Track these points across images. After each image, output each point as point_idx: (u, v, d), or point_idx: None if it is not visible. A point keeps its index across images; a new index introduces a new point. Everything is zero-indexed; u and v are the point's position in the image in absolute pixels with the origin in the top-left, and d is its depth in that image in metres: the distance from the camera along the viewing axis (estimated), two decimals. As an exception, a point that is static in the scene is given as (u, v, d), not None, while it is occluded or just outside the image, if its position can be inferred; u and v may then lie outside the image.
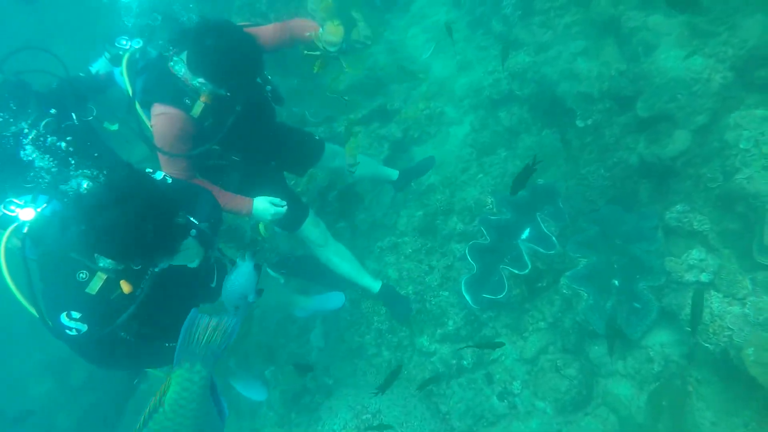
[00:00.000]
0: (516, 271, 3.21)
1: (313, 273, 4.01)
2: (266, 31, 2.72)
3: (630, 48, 3.51)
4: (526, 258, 3.19)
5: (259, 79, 2.59)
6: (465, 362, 3.41)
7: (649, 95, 3.09)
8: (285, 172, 3.33)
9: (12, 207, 2.04)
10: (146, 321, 2.23)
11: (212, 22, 2.28)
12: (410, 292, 3.79)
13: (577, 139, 3.68)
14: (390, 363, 3.72)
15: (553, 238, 3.21)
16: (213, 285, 2.84)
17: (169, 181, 2.27)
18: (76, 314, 1.92)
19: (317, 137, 3.35)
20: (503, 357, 3.40)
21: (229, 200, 2.73)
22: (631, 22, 3.46)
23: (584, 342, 3.14)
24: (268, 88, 2.67)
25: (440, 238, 3.94)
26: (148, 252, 1.81)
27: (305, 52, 2.86)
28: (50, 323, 1.94)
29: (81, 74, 3.12)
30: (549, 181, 3.60)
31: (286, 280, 3.71)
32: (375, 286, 3.54)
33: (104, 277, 1.91)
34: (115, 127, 3.24)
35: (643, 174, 3.30)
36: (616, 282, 3.00)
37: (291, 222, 3.19)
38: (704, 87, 2.88)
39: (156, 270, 1.96)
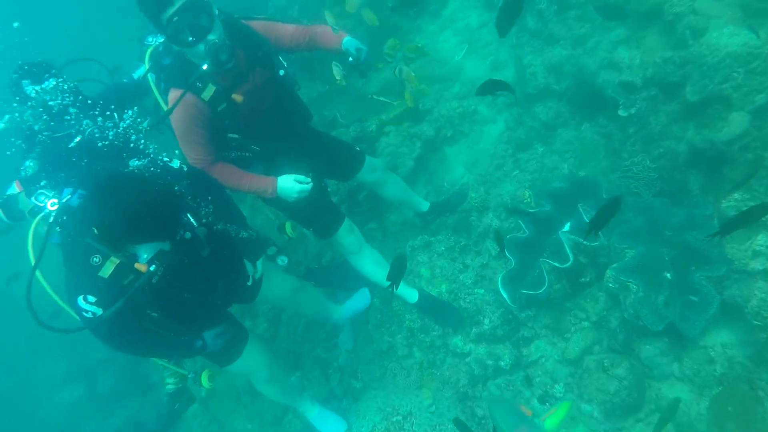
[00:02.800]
0: (557, 264, 3.01)
1: (340, 280, 3.91)
2: (285, 30, 2.69)
3: (675, 35, 3.35)
4: (567, 250, 3.00)
5: (263, 62, 2.57)
6: (502, 363, 3.20)
7: (699, 76, 2.92)
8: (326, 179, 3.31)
9: (42, 198, 2.12)
10: (161, 308, 2.24)
11: None
12: (443, 290, 3.63)
13: (619, 130, 3.51)
14: (422, 364, 3.53)
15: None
16: (249, 284, 2.78)
17: (185, 169, 2.31)
18: (91, 298, 1.99)
19: (358, 148, 3.32)
20: (543, 359, 3.18)
21: (253, 181, 2.70)
22: (676, 8, 3.30)
23: (634, 341, 2.90)
24: (281, 72, 2.62)
25: (475, 236, 3.78)
26: (125, 231, 1.84)
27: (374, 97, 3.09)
28: (71, 306, 2.01)
29: (124, 80, 3.24)
30: (590, 174, 3.43)
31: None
32: (411, 295, 3.42)
33: (117, 261, 1.97)
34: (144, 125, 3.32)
35: (692, 163, 3.09)
36: (668, 275, 2.78)
37: (324, 228, 3.13)
38: (765, 63, 2.69)
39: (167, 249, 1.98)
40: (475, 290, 3.49)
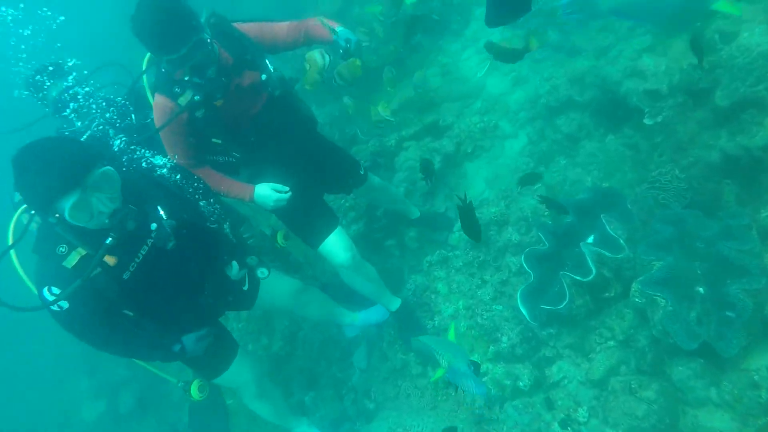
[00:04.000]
0: (579, 278, 2.84)
1: (339, 296, 3.82)
2: (280, 28, 2.65)
3: (704, 40, 3.21)
4: (590, 263, 2.82)
5: (251, 66, 2.53)
6: (521, 383, 3.01)
7: (730, 79, 2.76)
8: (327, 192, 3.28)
9: None
10: (136, 307, 2.21)
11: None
12: (460, 306, 3.49)
13: (646, 140, 3.35)
14: (437, 384, 3.36)
15: (621, 241, 2.84)
16: (246, 288, 2.73)
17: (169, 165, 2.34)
18: (55, 290, 1.95)
19: (362, 171, 3.25)
20: (566, 380, 2.97)
21: (232, 187, 2.68)
22: (704, 14, 3.18)
23: (664, 362, 2.67)
24: (264, 76, 2.54)
25: (494, 251, 3.63)
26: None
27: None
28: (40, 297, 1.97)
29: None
30: (614, 185, 3.27)
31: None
32: (394, 303, 3.39)
33: (83, 253, 1.95)
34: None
35: (726, 172, 2.90)
36: (701, 289, 2.56)
37: (313, 237, 3.05)
38: (800, 61, 2.53)
39: (108, 242, 1.94)
40: (493, 306, 3.33)
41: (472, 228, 2.21)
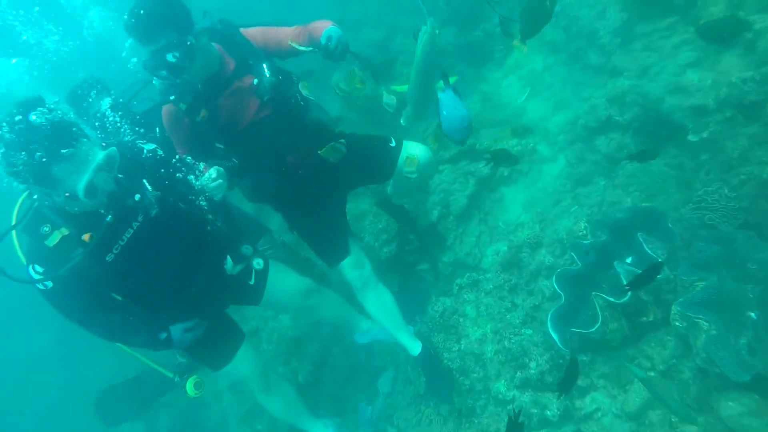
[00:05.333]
0: (612, 300, 2.63)
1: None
2: (284, 33, 2.63)
3: (756, 54, 3.01)
4: (624, 283, 2.61)
5: (252, 71, 2.53)
6: (549, 413, 2.77)
7: (781, 88, 2.56)
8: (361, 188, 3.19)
9: None
10: (122, 291, 2.27)
11: None
12: (488, 330, 3.31)
13: (691, 159, 3.14)
14: (460, 411, 3.16)
15: (660, 261, 2.62)
16: (252, 282, 2.73)
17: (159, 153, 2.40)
18: (39, 268, 2.05)
19: (392, 143, 2.99)
20: (599, 413, 2.71)
21: None
22: (757, 25, 3.00)
23: (711, 395, 2.38)
24: (255, 81, 2.51)
25: (526, 274, 3.46)
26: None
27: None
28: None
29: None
30: (654, 204, 3.06)
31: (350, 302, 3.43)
32: (414, 347, 3.11)
33: (65, 232, 2.04)
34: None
35: (783, 190, 2.65)
36: (753, 314, 2.30)
37: (330, 257, 3.00)
38: None
39: (108, 220, 2.05)
40: (523, 330, 3.13)
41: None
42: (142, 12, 2.17)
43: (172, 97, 2.40)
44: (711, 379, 2.38)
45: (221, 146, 2.57)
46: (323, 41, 2.37)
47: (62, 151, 1.88)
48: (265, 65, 2.54)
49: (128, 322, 2.31)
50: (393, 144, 3.01)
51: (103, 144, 2.07)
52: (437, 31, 2.14)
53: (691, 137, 3.03)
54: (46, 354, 9.41)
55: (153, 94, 3.19)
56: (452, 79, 1.96)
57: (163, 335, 2.39)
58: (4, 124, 1.86)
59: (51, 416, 8.26)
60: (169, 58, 2.23)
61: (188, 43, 2.26)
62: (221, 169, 2.41)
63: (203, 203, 2.49)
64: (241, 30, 2.57)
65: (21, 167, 1.88)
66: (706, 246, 2.58)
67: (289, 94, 2.63)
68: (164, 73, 2.28)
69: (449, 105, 1.94)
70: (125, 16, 2.19)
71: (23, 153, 1.85)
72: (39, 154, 1.85)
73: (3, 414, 8.93)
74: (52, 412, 8.26)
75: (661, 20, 3.66)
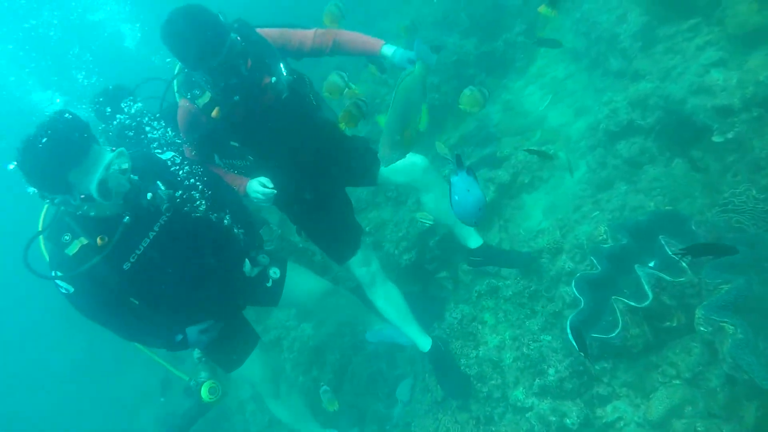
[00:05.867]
0: (633, 304, 2.55)
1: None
2: (304, 35, 2.68)
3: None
4: (645, 286, 2.53)
5: (270, 71, 2.55)
6: (568, 421, 2.68)
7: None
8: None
9: None
10: (140, 296, 2.35)
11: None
12: (507, 337, 3.25)
13: (717, 161, 3.04)
14: (478, 420, 3.10)
15: (683, 264, 2.53)
16: (269, 285, 2.77)
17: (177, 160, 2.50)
18: (60, 273, 2.15)
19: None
20: (621, 422, 2.61)
21: (230, 179, 2.73)
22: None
23: (741, 404, 2.27)
24: (273, 79, 2.55)
25: (546, 280, 3.39)
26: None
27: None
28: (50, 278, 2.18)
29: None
30: (677, 208, 2.97)
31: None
32: (424, 343, 3.13)
33: (84, 242, 2.13)
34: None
35: (815, 191, 2.54)
36: (782, 318, 2.19)
37: (337, 254, 3.03)
38: None
39: (125, 221, 2.14)
40: (541, 336, 3.06)
41: None
42: (194, 37, 2.20)
43: (193, 92, 2.46)
44: (739, 386, 2.27)
45: (236, 144, 2.63)
46: (411, 67, 2.33)
47: (74, 158, 1.99)
48: (282, 64, 2.60)
49: (145, 324, 2.39)
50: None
51: (112, 148, 2.17)
52: (426, 76, 2.07)
53: (715, 138, 2.94)
54: (79, 363, 9.71)
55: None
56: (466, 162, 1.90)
57: (179, 337, 2.45)
58: (25, 143, 1.97)
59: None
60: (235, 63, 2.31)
61: (238, 38, 2.34)
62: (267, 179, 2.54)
63: (225, 215, 2.58)
64: (258, 30, 2.62)
65: (39, 180, 2.01)
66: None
67: (303, 93, 2.69)
68: (235, 80, 2.37)
69: (461, 189, 1.81)
70: (174, 48, 2.25)
71: (40, 168, 1.97)
72: (52, 168, 1.97)
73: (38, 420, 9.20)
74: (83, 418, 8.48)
75: (683, 22, 3.59)
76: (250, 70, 2.49)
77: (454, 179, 1.83)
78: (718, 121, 2.97)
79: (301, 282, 2.98)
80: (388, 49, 2.58)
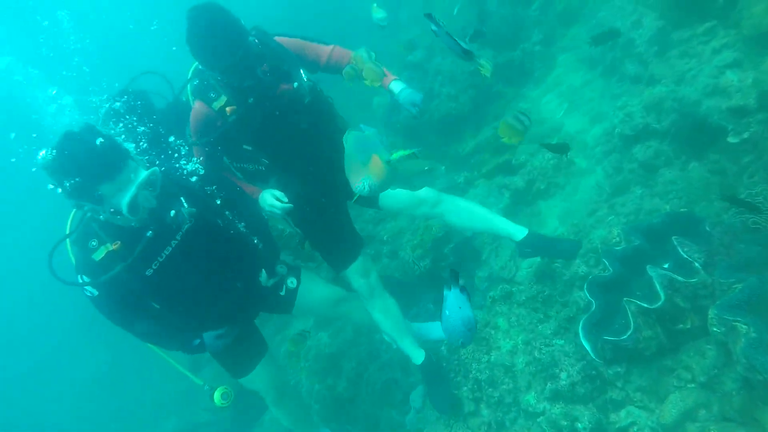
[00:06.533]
0: (645, 305, 2.50)
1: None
2: (322, 50, 2.73)
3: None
4: (657, 287, 2.49)
5: (287, 77, 2.58)
6: (580, 425, 2.63)
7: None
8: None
9: None
10: (161, 300, 2.42)
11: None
12: (519, 341, 3.22)
13: (733, 163, 2.98)
14: (490, 425, 3.06)
15: (696, 264, 2.48)
16: (282, 293, 2.83)
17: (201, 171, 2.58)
18: (86, 278, 2.23)
19: None
20: (635, 427, 2.54)
21: (243, 187, 2.78)
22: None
23: (757, 407, 2.19)
24: (295, 84, 2.57)
25: (560, 285, 3.35)
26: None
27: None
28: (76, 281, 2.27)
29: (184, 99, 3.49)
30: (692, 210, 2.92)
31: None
32: (417, 356, 3.13)
33: (110, 248, 2.21)
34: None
35: (835, 190, 2.46)
36: (799, 319, 2.12)
37: (336, 262, 3.03)
38: None
39: (149, 235, 2.22)
40: (554, 341, 3.02)
41: None
42: (212, 38, 2.27)
43: (209, 95, 2.52)
44: (756, 389, 2.20)
45: (249, 148, 2.67)
46: (413, 110, 2.50)
47: (109, 173, 2.08)
48: (302, 70, 2.66)
49: (164, 328, 2.48)
50: None
51: (147, 164, 2.27)
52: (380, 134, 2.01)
53: (731, 139, 2.89)
54: (102, 376, 9.93)
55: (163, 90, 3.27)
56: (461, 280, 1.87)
57: (197, 341, 2.53)
58: (56, 151, 2.06)
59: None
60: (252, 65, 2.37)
61: (255, 41, 2.41)
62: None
63: (241, 225, 2.66)
64: (276, 38, 2.67)
65: (70, 188, 2.09)
66: (746, 247, 2.43)
67: (321, 98, 2.75)
68: (250, 82, 2.42)
69: (453, 305, 1.79)
70: (193, 49, 2.32)
71: (73, 176, 2.05)
72: (86, 177, 2.06)
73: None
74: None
75: (699, 25, 3.57)
76: (265, 74, 2.53)
77: (448, 294, 1.80)
78: (732, 122, 2.93)
79: (314, 289, 3.02)
80: (396, 86, 2.60)
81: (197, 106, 2.59)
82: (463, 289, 1.81)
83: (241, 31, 2.35)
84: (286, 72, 2.61)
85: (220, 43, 2.29)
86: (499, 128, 2.60)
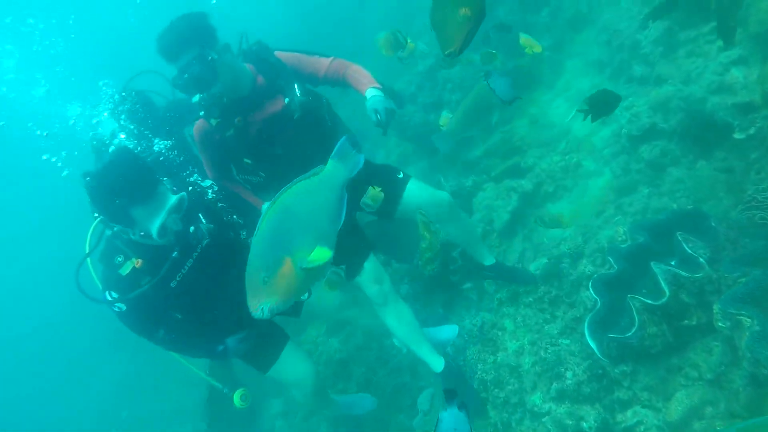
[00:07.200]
0: (649, 302, 2.48)
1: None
2: (321, 63, 2.76)
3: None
4: (662, 283, 2.46)
5: (283, 91, 2.61)
6: (585, 425, 2.60)
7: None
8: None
9: None
10: (183, 311, 2.49)
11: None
12: (526, 342, 3.20)
13: (740, 160, 2.95)
14: (496, 426, 3.04)
15: (701, 259, 2.45)
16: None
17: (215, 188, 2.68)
18: (114, 294, 2.29)
19: (400, 174, 3.01)
20: (642, 426, 2.50)
21: (248, 197, 2.84)
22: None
23: (763, 402, 2.14)
24: (286, 100, 2.60)
25: (567, 285, 3.33)
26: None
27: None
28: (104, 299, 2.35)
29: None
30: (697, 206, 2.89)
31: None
32: (436, 363, 3.03)
33: (135, 264, 2.27)
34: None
35: (843, 184, 2.42)
36: (806, 312, 2.08)
37: (348, 270, 2.99)
38: None
39: (174, 255, 2.29)
40: (560, 340, 3.00)
41: None
42: (168, 31, 2.38)
43: (201, 113, 2.59)
44: (763, 384, 2.15)
45: (249, 162, 2.72)
46: (374, 117, 2.48)
47: (143, 199, 2.16)
48: (296, 85, 2.66)
49: (188, 337, 2.55)
50: (401, 176, 3.04)
51: (174, 189, 2.35)
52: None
53: (737, 135, 2.86)
54: (119, 384, 10.06)
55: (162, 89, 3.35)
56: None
57: (221, 347, 2.59)
58: (92, 174, 2.14)
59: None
60: (193, 71, 2.38)
61: (209, 58, 2.40)
62: None
63: (243, 233, 2.73)
64: (276, 53, 2.73)
65: (102, 210, 2.18)
66: (751, 241, 2.40)
67: (318, 114, 2.74)
68: (189, 87, 2.45)
69: (449, 428, 1.59)
70: (156, 39, 2.41)
71: (107, 199, 2.14)
72: (120, 200, 2.13)
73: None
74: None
75: (704, 25, 3.56)
76: (258, 89, 2.60)
77: (443, 415, 1.62)
78: (738, 118, 2.90)
79: (322, 295, 3.06)
80: (369, 92, 2.59)
81: (199, 122, 2.68)
82: (462, 407, 1.64)
83: (206, 35, 2.41)
84: (281, 86, 2.64)
85: (174, 35, 2.36)
86: (378, 42, 2.59)
